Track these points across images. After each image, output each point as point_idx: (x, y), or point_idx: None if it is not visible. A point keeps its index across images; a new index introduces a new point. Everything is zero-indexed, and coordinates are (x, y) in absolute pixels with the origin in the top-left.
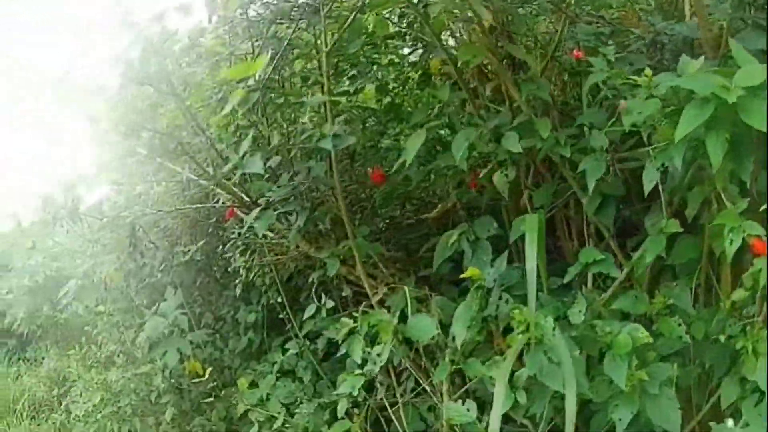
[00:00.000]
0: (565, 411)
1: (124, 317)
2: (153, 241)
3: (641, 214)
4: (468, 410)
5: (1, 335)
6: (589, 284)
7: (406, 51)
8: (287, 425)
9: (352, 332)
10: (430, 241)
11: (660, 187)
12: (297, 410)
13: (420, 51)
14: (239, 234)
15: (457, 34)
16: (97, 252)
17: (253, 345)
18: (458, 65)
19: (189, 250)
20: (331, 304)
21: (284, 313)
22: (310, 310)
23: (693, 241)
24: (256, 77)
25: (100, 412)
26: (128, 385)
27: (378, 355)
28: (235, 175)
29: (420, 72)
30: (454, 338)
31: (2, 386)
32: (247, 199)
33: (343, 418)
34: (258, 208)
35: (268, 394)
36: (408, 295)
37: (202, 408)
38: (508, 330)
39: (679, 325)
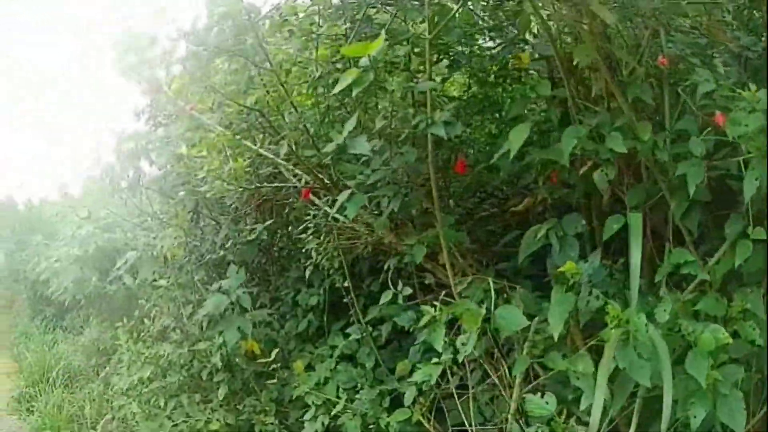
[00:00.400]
0: (663, 405)
1: (182, 292)
2: (216, 217)
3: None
4: (547, 403)
5: (40, 303)
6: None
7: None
8: (347, 410)
9: (433, 321)
10: (507, 235)
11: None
12: (357, 396)
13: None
14: (313, 216)
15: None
16: (155, 225)
17: (310, 328)
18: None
19: (255, 229)
20: (408, 291)
21: (348, 297)
22: (386, 296)
23: (764, 251)
24: (372, 58)
25: (146, 386)
26: (179, 361)
27: (463, 344)
28: (316, 156)
29: (504, 66)
30: (536, 331)
31: (38, 353)
32: (328, 182)
33: (408, 407)
34: (348, 191)
35: (326, 378)
36: (492, 286)
37: (252, 388)
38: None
39: (753, 329)
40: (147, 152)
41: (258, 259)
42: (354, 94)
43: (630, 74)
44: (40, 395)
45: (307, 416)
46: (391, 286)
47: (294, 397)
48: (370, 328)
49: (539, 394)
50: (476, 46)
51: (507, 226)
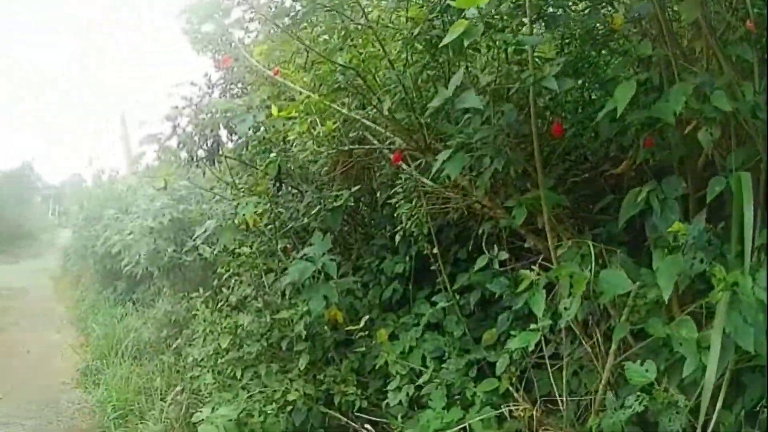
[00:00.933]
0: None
1: (264, 260)
2: (298, 185)
3: None
4: (647, 370)
5: (110, 277)
6: None
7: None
8: (434, 380)
9: (532, 285)
10: (602, 201)
11: None
12: (443, 366)
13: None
14: (405, 179)
15: None
16: (235, 195)
17: (395, 296)
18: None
19: (340, 195)
20: (504, 255)
21: (436, 264)
22: (481, 261)
23: None
24: (480, 9)
25: (222, 356)
26: (258, 331)
27: (566, 308)
28: (409, 117)
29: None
30: (636, 296)
31: (108, 326)
32: (422, 144)
33: (496, 377)
34: (449, 150)
35: (411, 347)
36: (592, 250)
37: (332, 358)
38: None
39: None
40: (226, 120)
41: (341, 227)
42: (465, 45)
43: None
44: (108, 368)
45: (391, 386)
46: (486, 252)
47: (376, 367)
48: (457, 296)
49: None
50: (569, 7)
51: (600, 191)
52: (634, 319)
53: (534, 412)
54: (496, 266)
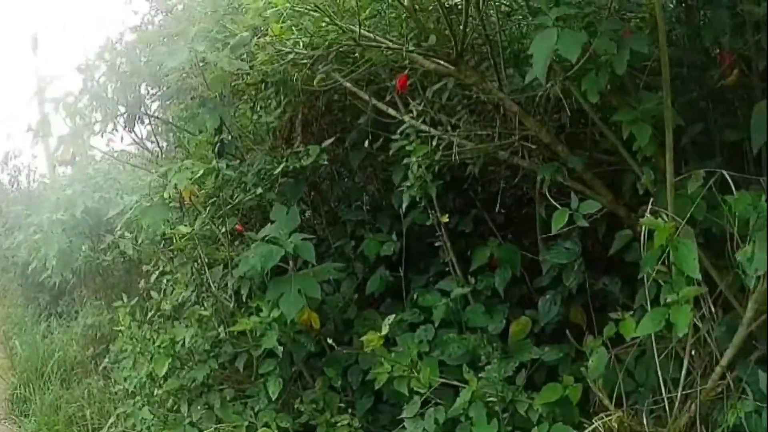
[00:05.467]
0: None
1: (205, 249)
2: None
3: None
4: None
5: (31, 289)
6: None
7: None
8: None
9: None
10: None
11: None
12: (482, 375)
13: None
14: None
15: None
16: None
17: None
18: None
19: (307, 152)
20: None
21: (439, 236)
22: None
23: None
24: None
25: (159, 384)
26: (203, 348)
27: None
28: None
29: None
30: None
31: (30, 345)
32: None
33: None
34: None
35: (422, 353)
36: None
37: (298, 374)
38: None
39: None
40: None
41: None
42: None
43: None
44: (34, 395)
45: (409, 412)
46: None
47: (363, 381)
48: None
49: None
50: None
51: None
52: None
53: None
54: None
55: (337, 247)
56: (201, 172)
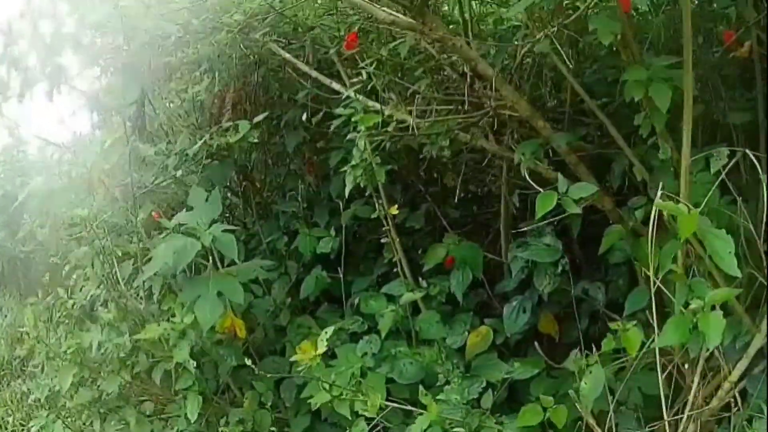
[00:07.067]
0: None
1: (116, 240)
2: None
3: None
4: None
5: None
6: None
7: None
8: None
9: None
10: None
11: None
12: (440, 397)
13: None
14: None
15: None
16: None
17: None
18: None
19: (235, 129)
20: None
21: (384, 232)
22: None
23: None
24: None
25: (71, 395)
26: (116, 354)
27: None
28: None
29: None
30: None
31: None
32: None
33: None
34: None
35: (365, 369)
36: None
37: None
38: None
39: None
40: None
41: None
42: None
43: None
44: None
45: None
46: None
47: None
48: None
49: None
50: None
51: None
52: None
53: None
54: None
55: (269, 243)
56: (109, 143)
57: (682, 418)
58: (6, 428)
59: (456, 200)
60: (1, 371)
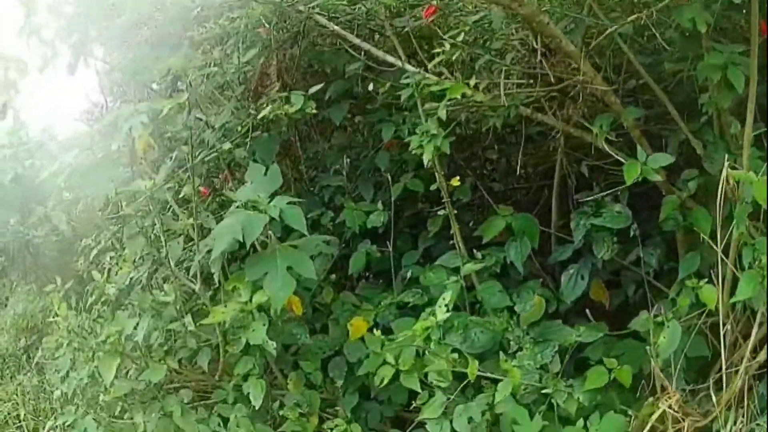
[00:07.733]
0: None
1: (161, 217)
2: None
3: None
4: None
5: None
6: None
7: None
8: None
9: None
10: None
11: None
12: (515, 363)
13: None
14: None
15: None
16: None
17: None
18: None
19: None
20: None
21: (443, 204)
22: None
23: None
24: None
25: (107, 390)
26: (158, 342)
27: None
28: None
29: None
30: None
31: None
32: None
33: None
34: None
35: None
36: None
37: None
38: None
39: None
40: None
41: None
42: None
43: None
44: None
45: (430, 412)
46: None
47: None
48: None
49: None
50: None
51: None
52: None
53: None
54: None
55: (310, 219)
56: (165, 111)
57: (730, 372)
58: (19, 423)
59: (517, 175)
60: (6, 363)
